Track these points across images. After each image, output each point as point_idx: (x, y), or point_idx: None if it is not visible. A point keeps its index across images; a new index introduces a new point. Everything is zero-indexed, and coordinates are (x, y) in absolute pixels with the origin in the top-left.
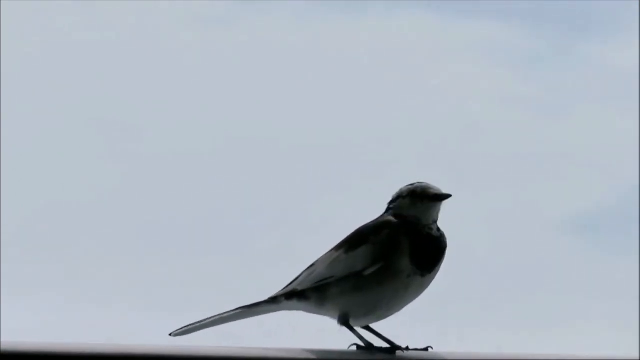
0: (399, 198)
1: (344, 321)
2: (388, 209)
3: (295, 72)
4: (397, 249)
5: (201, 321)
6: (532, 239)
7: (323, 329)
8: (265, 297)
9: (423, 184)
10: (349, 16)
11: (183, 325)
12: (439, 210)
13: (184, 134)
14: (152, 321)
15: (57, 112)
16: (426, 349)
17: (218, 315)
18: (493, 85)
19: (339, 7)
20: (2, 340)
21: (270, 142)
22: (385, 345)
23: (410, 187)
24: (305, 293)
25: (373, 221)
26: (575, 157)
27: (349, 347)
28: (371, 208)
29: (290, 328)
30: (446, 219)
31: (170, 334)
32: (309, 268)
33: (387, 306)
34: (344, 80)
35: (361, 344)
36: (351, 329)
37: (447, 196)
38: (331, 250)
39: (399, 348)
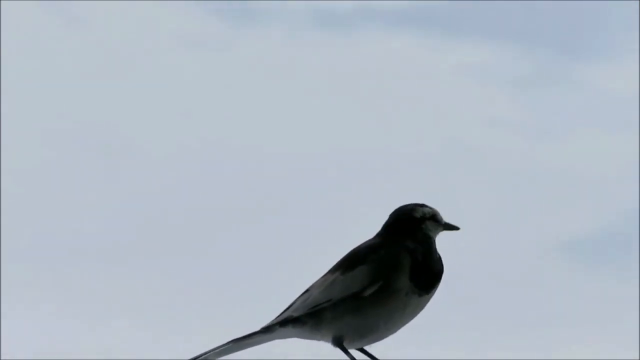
0: (425, 219)
1: (338, 343)
2: (395, 228)
3: (286, 94)
4: (396, 266)
5: (194, 358)
6: (527, 262)
7: (316, 354)
8: (257, 327)
9: (434, 209)
10: (340, 39)
11: None
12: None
13: (180, 154)
14: (150, 339)
15: (53, 133)
16: None
17: (211, 350)
18: (486, 108)
19: (330, 29)
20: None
21: (261, 162)
22: None
23: (430, 210)
24: (300, 319)
25: (369, 241)
26: (569, 181)
27: None
28: (360, 229)
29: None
30: (440, 243)
31: None
32: (303, 294)
33: (385, 327)
34: (334, 102)
35: None
36: (345, 351)
37: (456, 228)
38: (326, 274)
39: None
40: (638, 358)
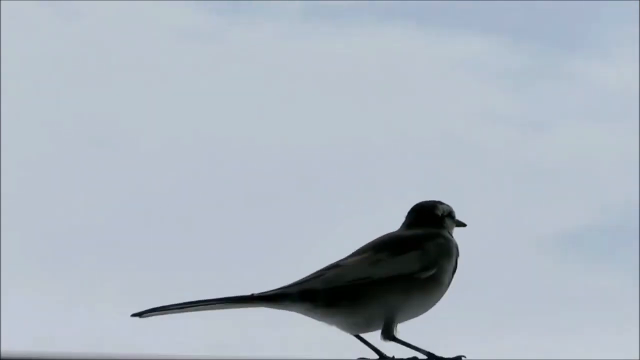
0: (444, 216)
1: (389, 327)
2: (420, 223)
3: (278, 87)
4: (450, 256)
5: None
6: (518, 256)
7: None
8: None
9: (450, 206)
10: (336, 31)
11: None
12: None
13: (175, 146)
14: (148, 331)
15: (49, 124)
16: (459, 358)
17: (216, 300)
18: (479, 101)
19: (326, 22)
20: (2, 347)
21: (253, 155)
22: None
23: (448, 207)
24: (321, 294)
25: (405, 231)
26: (562, 174)
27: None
28: (353, 221)
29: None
30: None
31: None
32: (331, 268)
33: (421, 311)
34: (329, 96)
35: (423, 356)
36: (396, 339)
37: (464, 225)
38: (361, 254)
39: (434, 357)
40: (638, 350)
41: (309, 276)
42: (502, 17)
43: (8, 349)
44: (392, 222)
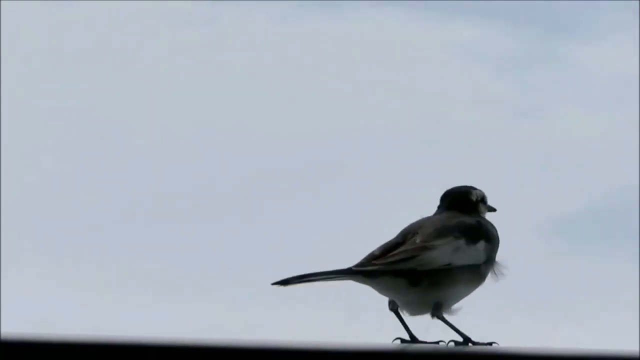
0: (479, 202)
1: (441, 308)
2: (458, 209)
3: (275, 70)
4: (497, 250)
5: (308, 276)
6: (512, 240)
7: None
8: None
9: (483, 192)
10: (328, 16)
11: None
12: None
13: (168, 133)
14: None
15: (44, 110)
16: (491, 344)
17: (330, 272)
18: (471, 85)
19: (318, 7)
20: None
21: (244, 141)
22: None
23: (481, 192)
24: (407, 273)
25: (466, 216)
26: (556, 158)
27: (447, 343)
28: (348, 203)
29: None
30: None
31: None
32: (419, 249)
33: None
34: (321, 80)
35: (459, 338)
36: (445, 321)
37: (495, 210)
38: (440, 236)
39: (471, 341)
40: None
41: (394, 254)
42: (496, 3)
43: (8, 331)
44: (386, 203)
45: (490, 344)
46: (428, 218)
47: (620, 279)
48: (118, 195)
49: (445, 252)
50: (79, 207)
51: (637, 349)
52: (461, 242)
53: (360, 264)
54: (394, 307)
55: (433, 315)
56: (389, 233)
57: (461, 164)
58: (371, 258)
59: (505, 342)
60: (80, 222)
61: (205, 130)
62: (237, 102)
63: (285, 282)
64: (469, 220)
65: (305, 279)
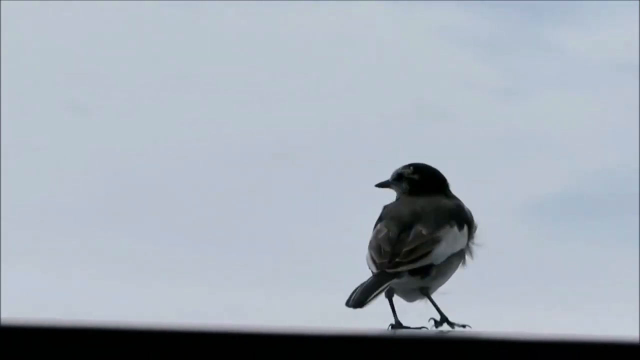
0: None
1: (430, 290)
2: (441, 189)
3: (254, 56)
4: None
5: (371, 289)
6: (493, 223)
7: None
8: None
9: None
10: (310, 1)
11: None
12: None
13: (149, 112)
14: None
15: (25, 87)
16: (464, 326)
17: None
18: (455, 69)
19: None
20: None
21: (234, 126)
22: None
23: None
24: (425, 267)
25: (452, 200)
26: (536, 141)
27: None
28: (330, 188)
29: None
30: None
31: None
32: (430, 241)
33: None
34: (304, 65)
35: (438, 317)
36: (432, 300)
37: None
38: (441, 226)
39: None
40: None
41: (413, 252)
42: None
43: (8, 316)
44: (368, 186)
45: (464, 326)
46: (412, 202)
47: (599, 262)
48: (103, 182)
49: (449, 243)
50: (65, 191)
51: (616, 332)
52: (455, 229)
53: (389, 266)
54: (390, 295)
55: (428, 299)
56: (374, 214)
57: (443, 146)
58: (390, 257)
59: (481, 326)
60: (69, 207)
61: (184, 110)
62: (214, 88)
63: (360, 304)
64: (450, 203)
65: (371, 297)
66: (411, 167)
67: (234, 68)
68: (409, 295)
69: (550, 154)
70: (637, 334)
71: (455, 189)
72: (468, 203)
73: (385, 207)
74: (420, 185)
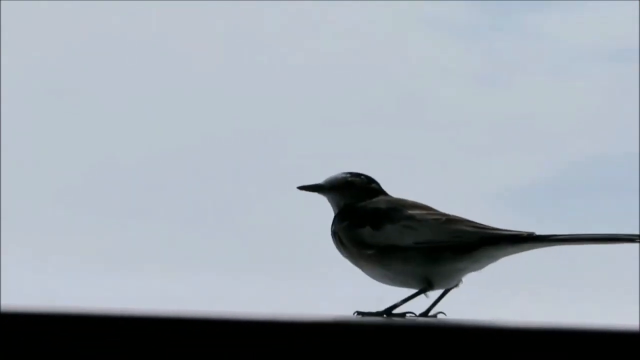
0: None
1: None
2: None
3: (239, 47)
4: None
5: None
6: (469, 212)
7: None
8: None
9: None
10: None
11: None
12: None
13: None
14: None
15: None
16: (436, 315)
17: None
18: (433, 55)
19: None
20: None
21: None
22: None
23: None
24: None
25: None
26: (516, 128)
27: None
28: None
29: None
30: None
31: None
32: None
33: None
34: (287, 54)
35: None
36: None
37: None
38: (422, 215)
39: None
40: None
41: (463, 226)
42: None
43: (8, 303)
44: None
45: (437, 315)
46: (389, 201)
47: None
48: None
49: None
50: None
51: (601, 318)
52: (437, 220)
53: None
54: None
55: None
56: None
57: (422, 133)
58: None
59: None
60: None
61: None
62: (195, 73)
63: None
64: (411, 201)
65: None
66: (350, 174)
67: (233, 69)
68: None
69: (530, 142)
70: (621, 320)
71: (434, 176)
72: (447, 191)
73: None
74: (366, 189)
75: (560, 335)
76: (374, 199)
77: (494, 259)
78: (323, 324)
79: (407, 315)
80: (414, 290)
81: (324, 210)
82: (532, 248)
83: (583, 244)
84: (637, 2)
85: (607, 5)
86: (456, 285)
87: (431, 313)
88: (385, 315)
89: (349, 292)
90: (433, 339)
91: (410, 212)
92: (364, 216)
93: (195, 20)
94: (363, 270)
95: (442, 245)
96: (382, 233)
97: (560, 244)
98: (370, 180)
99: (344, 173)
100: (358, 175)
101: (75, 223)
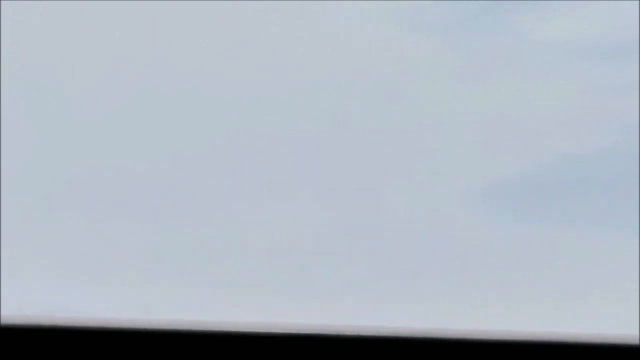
0: None
1: None
2: None
3: (215, 42)
4: None
5: None
6: (449, 208)
7: None
8: None
9: None
10: None
11: None
12: None
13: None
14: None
15: None
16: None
17: None
18: (413, 51)
19: None
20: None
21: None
22: None
23: None
24: None
25: None
26: (496, 125)
27: None
28: (284, 182)
29: None
30: (363, 190)
31: None
32: None
33: None
34: (260, 48)
35: None
36: None
37: None
38: None
39: None
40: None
41: None
42: None
43: (9, 315)
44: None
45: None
46: None
47: (560, 250)
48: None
49: None
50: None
51: (589, 318)
52: None
53: None
54: None
55: None
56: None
57: (402, 130)
58: None
59: (446, 322)
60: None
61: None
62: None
63: None
64: None
65: None
66: None
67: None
68: None
69: (510, 138)
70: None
71: (414, 172)
72: (428, 188)
73: None
74: None
75: (557, 348)
76: None
77: None
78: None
79: None
80: None
81: None
82: None
83: None
84: (614, 2)
85: (585, 4)
86: None
87: None
88: None
89: None
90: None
91: None
92: None
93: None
94: None
95: None
96: None
97: None
98: None
99: None
100: None
101: (59, 228)
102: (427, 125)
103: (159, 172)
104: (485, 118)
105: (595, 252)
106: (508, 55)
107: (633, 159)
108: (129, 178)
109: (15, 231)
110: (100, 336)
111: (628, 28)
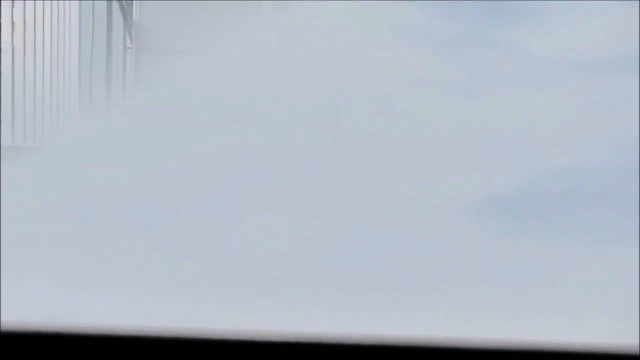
0: None
1: None
2: None
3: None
4: None
5: None
6: (447, 222)
7: None
8: None
9: None
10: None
11: None
12: None
13: None
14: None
15: None
16: None
17: None
18: (410, 66)
19: None
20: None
21: None
22: None
23: None
24: None
25: None
26: (493, 140)
27: None
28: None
29: None
30: (359, 202)
31: None
32: None
33: None
34: (253, 64)
35: None
36: None
37: None
38: None
39: None
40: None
41: None
42: None
43: (9, 321)
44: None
45: None
46: None
47: (559, 261)
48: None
49: None
50: None
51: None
52: None
53: None
54: None
55: None
56: None
57: (399, 144)
58: None
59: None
60: None
61: None
62: None
63: None
64: None
65: None
66: None
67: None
68: None
69: (507, 153)
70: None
71: (409, 187)
72: (423, 201)
73: None
74: None
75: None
76: None
77: None
78: None
79: None
80: None
81: None
82: None
83: None
84: (609, 16)
85: (581, 18)
86: None
87: None
88: None
89: None
90: None
91: None
92: None
93: None
94: None
95: None
96: None
97: None
98: None
99: None
100: None
101: (59, 230)
102: (423, 138)
103: (157, 176)
104: (482, 132)
105: (591, 265)
106: (505, 70)
107: (630, 173)
108: (129, 179)
109: (15, 234)
110: (101, 342)
111: (626, 44)
